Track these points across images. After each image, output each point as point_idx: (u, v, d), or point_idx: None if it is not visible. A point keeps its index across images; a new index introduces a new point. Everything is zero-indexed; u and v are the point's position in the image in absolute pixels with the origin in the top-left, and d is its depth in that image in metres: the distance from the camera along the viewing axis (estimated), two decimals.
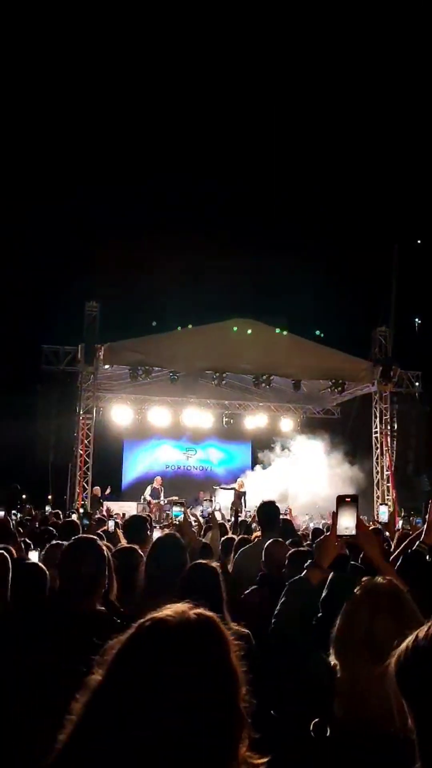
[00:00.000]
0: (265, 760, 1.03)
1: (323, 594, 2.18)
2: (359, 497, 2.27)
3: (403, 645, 1.05)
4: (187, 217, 21.15)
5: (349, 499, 2.24)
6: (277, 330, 16.27)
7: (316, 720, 1.64)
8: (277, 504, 5.49)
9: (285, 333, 16.34)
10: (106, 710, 0.96)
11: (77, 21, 19.23)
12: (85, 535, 2.87)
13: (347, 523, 2.20)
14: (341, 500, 2.24)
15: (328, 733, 1.63)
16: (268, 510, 5.23)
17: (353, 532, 2.21)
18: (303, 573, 2.22)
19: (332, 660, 1.73)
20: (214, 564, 2.77)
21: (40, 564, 3.33)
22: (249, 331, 15.89)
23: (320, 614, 2.11)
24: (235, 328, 15.79)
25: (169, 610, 1.03)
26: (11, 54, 18.36)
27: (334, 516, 2.25)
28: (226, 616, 2.57)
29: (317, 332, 16.07)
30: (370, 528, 5.40)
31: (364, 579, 1.81)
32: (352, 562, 2.79)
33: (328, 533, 2.34)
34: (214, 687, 0.95)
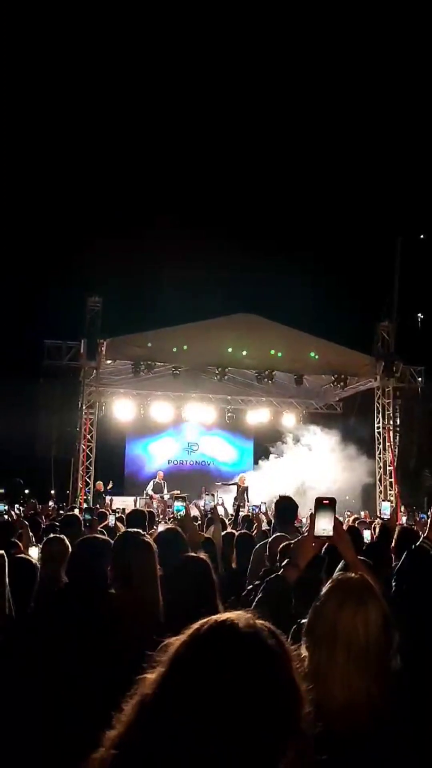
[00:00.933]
0: None
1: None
2: (335, 500, 2.39)
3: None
4: (189, 212, 21.11)
5: (327, 502, 2.35)
6: (280, 325, 16.26)
7: None
8: (293, 500, 5.40)
9: (287, 328, 16.32)
10: (161, 711, 0.93)
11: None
12: (94, 536, 2.87)
13: (325, 525, 2.31)
14: (320, 502, 2.35)
15: None
16: (286, 505, 5.17)
17: (330, 533, 2.31)
18: (280, 571, 2.32)
19: (302, 652, 1.76)
20: (203, 555, 2.79)
21: (31, 559, 3.33)
22: (251, 326, 15.88)
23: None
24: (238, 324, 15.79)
25: (233, 615, 1.00)
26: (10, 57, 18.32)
27: (312, 517, 2.35)
28: (220, 609, 2.58)
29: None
30: (368, 522, 5.39)
31: (336, 573, 1.89)
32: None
33: (306, 534, 2.43)
34: (274, 699, 0.92)
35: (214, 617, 1.00)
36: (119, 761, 0.92)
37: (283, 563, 2.38)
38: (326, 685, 1.65)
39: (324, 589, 1.83)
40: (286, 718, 0.93)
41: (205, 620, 1.00)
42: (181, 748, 0.88)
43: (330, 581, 1.85)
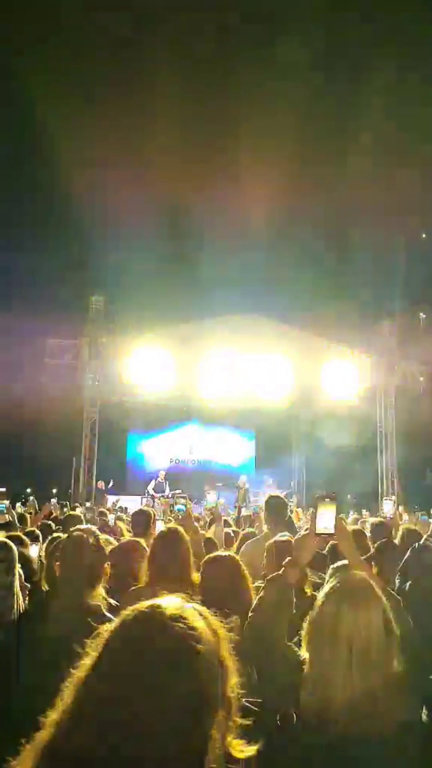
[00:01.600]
0: (253, 750, 1.07)
1: None
2: (336, 496, 2.33)
3: None
4: (190, 212, 21.08)
5: (328, 499, 2.28)
6: (281, 324, 16.26)
7: (284, 710, 1.71)
8: (284, 498, 5.44)
9: (288, 327, 16.33)
10: (89, 692, 1.00)
11: None
12: (83, 527, 2.86)
13: (326, 522, 2.25)
14: (321, 499, 2.29)
15: (294, 723, 1.71)
16: (275, 504, 5.18)
17: (332, 531, 2.26)
18: (281, 570, 2.28)
19: (302, 652, 1.80)
20: (233, 554, 2.77)
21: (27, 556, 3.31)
22: (252, 325, 15.90)
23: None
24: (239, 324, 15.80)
25: (163, 600, 1.08)
26: None
27: (313, 515, 2.29)
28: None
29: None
30: (371, 522, 5.40)
31: (337, 573, 1.87)
32: None
33: (307, 531, 2.39)
34: (191, 676, 0.99)
35: (144, 603, 1.07)
36: (57, 741, 0.99)
37: (284, 562, 2.34)
38: (328, 686, 1.65)
39: (325, 590, 1.82)
40: (211, 690, 1.01)
41: (135, 606, 1.07)
42: (113, 727, 0.94)
43: (331, 581, 1.83)
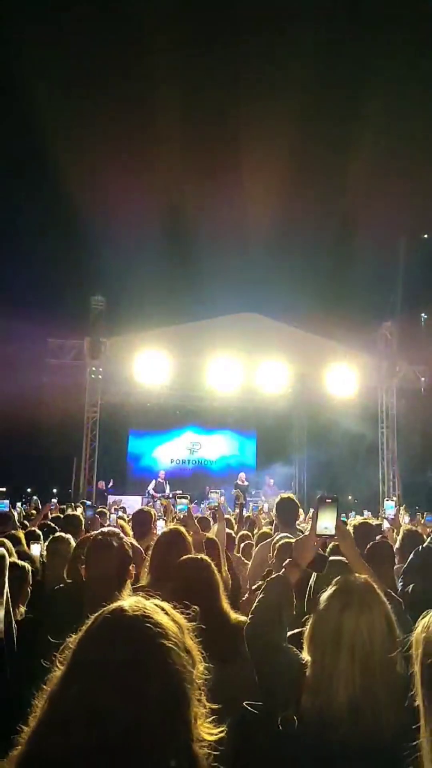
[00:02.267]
0: (219, 731, 1.11)
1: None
2: (337, 498, 2.36)
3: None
4: (192, 211, 21.07)
5: (329, 500, 2.31)
6: (282, 324, 16.26)
7: (285, 713, 1.70)
8: (295, 500, 5.40)
9: (290, 327, 16.33)
10: (63, 704, 1.01)
11: None
12: (107, 529, 2.85)
13: (327, 523, 2.28)
14: (322, 501, 2.32)
15: (296, 726, 1.69)
16: (287, 505, 5.15)
17: (332, 532, 2.28)
18: (282, 571, 2.28)
19: (304, 655, 1.79)
20: (204, 557, 2.76)
21: (29, 555, 3.31)
22: (253, 326, 15.89)
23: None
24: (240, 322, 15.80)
25: (125, 601, 1.11)
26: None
27: (314, 516, 2.31)
28: (224, 607, 2.59)
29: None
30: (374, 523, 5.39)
31: (338, 577, 1.86)
32: None
33: (308, 532, 2.40)
34: (164, 672, 1.02)
35: (106, 608, 1.11)
36: (31, 755, 1.01)
37: (284, 563, 2.34)
38: (330, 689, 1.65)
39: (327, 592, 1.81)
40: (185, 681, 1.04)
41: (97, 613, 1.10)
42: (94, 734, 0.96)
43: (332, 583, 1.83)
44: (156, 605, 1.11)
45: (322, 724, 1.63)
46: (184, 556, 2.75)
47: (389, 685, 1.64)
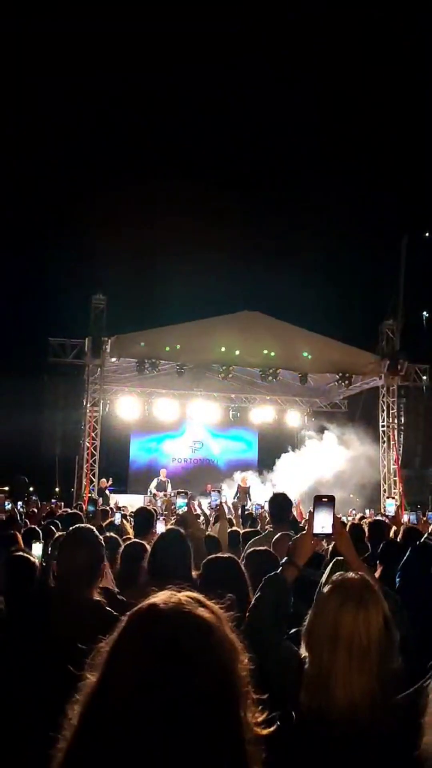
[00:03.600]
0: (271, 728, 1.05)
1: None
2: (334, 498, 2.38)
3: None
4: (194, 211, 21.07)
5: (326, 500, 2.34)
6: (284, 323, 16.23)
7: (284, 709, 1.70)
8: (288, 496, 5.41)
9: (292, 326, 16.30)
10: (102, 711, 0.95)
11: None
12: (82, 525, 2.86)
13: (323, 522, 2.30)
14: (319, 500, 2.34)
15: (294, 722, 1.71)
16: (280, 502, 5.16)
17: (329, 531, 2.30)
18: (279, 569, 2.31)
19: (302, 652, 1.81)
20: (231, 555, 2.78)
21: (30, 556, 3.32)
22: (256, 324, 15.87)
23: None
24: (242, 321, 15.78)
25: (155, 597, 1.03)
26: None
27: (311, 515, 2.34)
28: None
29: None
30: (372, 520, 5.40)
31: (336, 574, 1.88)
32: None
33: (305, 531, 2.42)
34: (212, 663, 0.96)
35: (139, 606, 1.03)
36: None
37: (282, 561, 2.36)
38: (328, 687, 1.66)
39: (324, 590, 1.82)
40: (232, 673, 0.98)
41: (131, 611, 1.03)
42: (132, 743, 0.90)
43: (330, 581, 1.84)
44: (190, 597, 1.03)
45: (320, 721, 1.65)
46: (212, 555, 2.77)
47: (386, 682, 1.65)
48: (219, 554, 2.90)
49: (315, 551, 2.39)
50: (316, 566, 2.37)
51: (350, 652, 1.65)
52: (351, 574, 1.86)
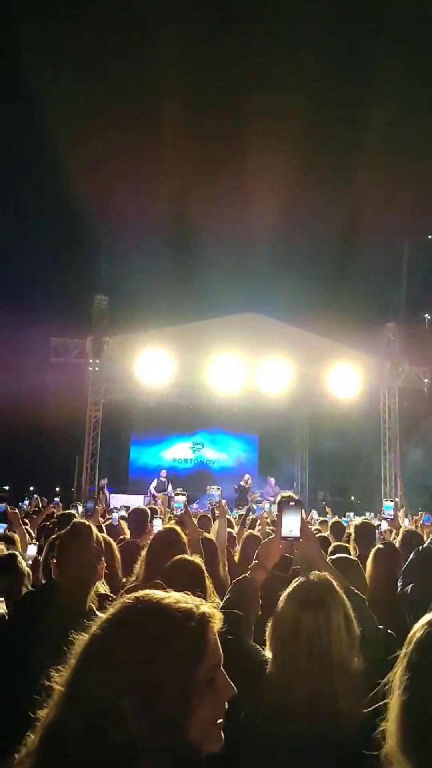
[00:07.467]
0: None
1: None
2: (302, 501, 2.44)
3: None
4: (194, 211, 21.07)
5: (293, 503, 2.36)
6: (285, 325, 16.25)
7: (247, 708, 1.72)
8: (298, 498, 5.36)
9: (292, 327, 16.31)
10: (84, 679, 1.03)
11: None
12: (78, 523, 2.84)
13: (291, 526, 2.32)
14: (285, 504, 2.36)
15: (258, 721, 1.73)
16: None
17: (297, 535, 2.32)
18: (248, 573, 2.34)
19: (266, 653, 1.85)
20: (197, 559, 2.77)
21: (18, 557, 3.30)
22: (255, 326, 15.89)
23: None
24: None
25: (136, 593, 1.11)
26: None
27: (279, 519, 2.37)
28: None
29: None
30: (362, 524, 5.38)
31: (298, 577, 1.91)
32: None
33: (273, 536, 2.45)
34: (172, 657, 1.03)
35: (128, 596, 1.11)
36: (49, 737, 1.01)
37: (251, 564, 2.39)
38: (290, 684, 1.69)
39: (286, 591, 1.86)
40: (185, 667, 1.06)
41: (119, 600, 1.11)
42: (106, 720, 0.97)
43: (292, 583, 1.88)
44: (175, 593, 1.13)
45: (283, 719, 1.68)
46: (177, 557, 2.76)
47: (347, 680, 1.68)
48: (184, 555, 2.89)
49: (283, 554, 2.42)
50: (284, 569, 2.41)
51: (311, 650, 1.69)
52: (312, 576, 1.89)
